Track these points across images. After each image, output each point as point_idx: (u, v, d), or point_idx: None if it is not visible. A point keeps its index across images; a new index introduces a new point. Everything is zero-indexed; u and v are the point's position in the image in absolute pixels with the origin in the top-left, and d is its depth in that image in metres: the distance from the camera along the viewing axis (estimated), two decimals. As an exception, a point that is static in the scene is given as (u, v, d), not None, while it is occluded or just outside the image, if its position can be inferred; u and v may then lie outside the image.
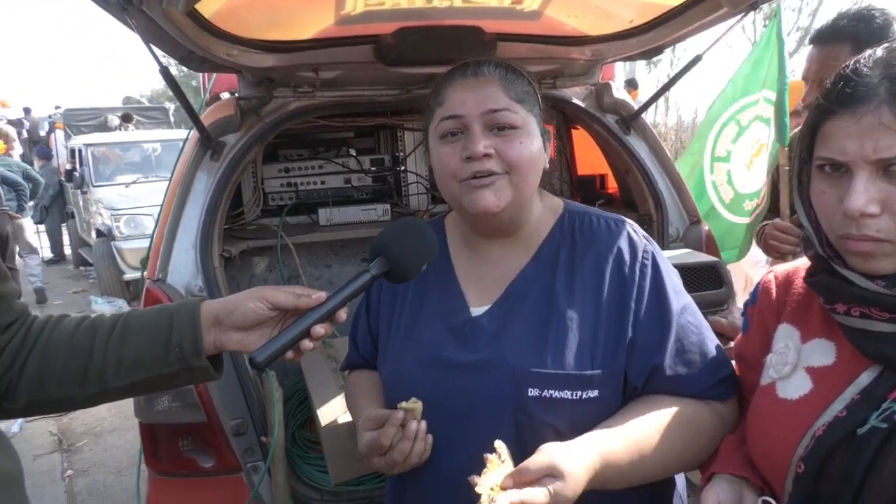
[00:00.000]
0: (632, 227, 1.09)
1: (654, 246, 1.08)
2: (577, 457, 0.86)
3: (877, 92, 0.74)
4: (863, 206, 0.74)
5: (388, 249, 0.95)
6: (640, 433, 0.94)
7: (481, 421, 0.98)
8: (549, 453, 0.85)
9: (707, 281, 1.73)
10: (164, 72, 1.46)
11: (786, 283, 0.97)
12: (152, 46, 1.39)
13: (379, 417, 1.00)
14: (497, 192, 1.00)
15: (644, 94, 7.77)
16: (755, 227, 2.07)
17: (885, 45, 0.78)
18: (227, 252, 1.96)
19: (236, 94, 1.91)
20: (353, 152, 2.68)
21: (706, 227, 2.13)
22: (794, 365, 0.89)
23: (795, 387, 0.86)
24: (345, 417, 1.66)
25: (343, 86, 1.99)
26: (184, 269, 1.71)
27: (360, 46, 1.77)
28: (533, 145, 1.03)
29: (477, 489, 0.82)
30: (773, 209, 1.97)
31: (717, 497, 0.87)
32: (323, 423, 1.67)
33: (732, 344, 1.11)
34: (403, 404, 0.99)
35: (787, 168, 1.84)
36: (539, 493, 0.80)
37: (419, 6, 1.66)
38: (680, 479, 1.19)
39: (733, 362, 1.08)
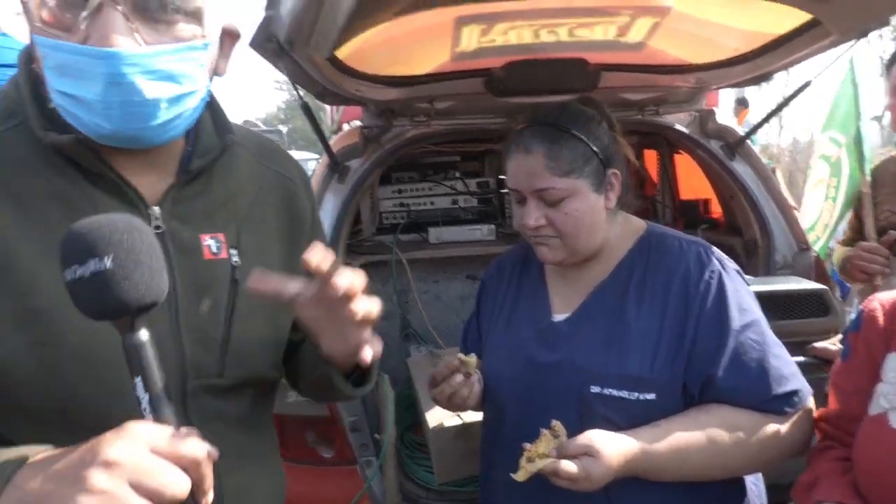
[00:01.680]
0: (703, 248, 1.18)
1: (726, 266, 1.15)
2: (615, 443, 1.00)
3: None
4: None
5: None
6: (684, 433, 1.04)
7: (554, 413, 1.09)
8: (590, 435, 1.00)
9: (812, 308, 1.72)
10: (305, 107, 1.69)
11: (893, 311, 0.99)
12: (297, 85, 1.61)
13: (446, 365, 1.21)
14: (552, 250, 1.18)
15: (755, 112, 7.48)
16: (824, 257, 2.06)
17: None
18: (348, 265, 2.16)
19: (361, 124, 2.13)
20: (458, 175, 2.84)
21: (814, 254, 2.10)
22: None
23: None
24: (451, 421, 1.79)
25: (455, 115, 2.16)
26: (313, 280, 1.92)
27: (472, 79, 1.93)
28: (582, 207, 1.15)
29: (525, 453, 0.99)
30: (858, 237, 1.97)
31: None
32: (430, 426, 1.80)
33: None
34: (461, 356, 1.19)
35: (868, 193, 1.87)
36: (572, 465, 0.96)
37: (528, 42, 1.80)
38: (755, 492, 1.22)
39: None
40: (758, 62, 1.83)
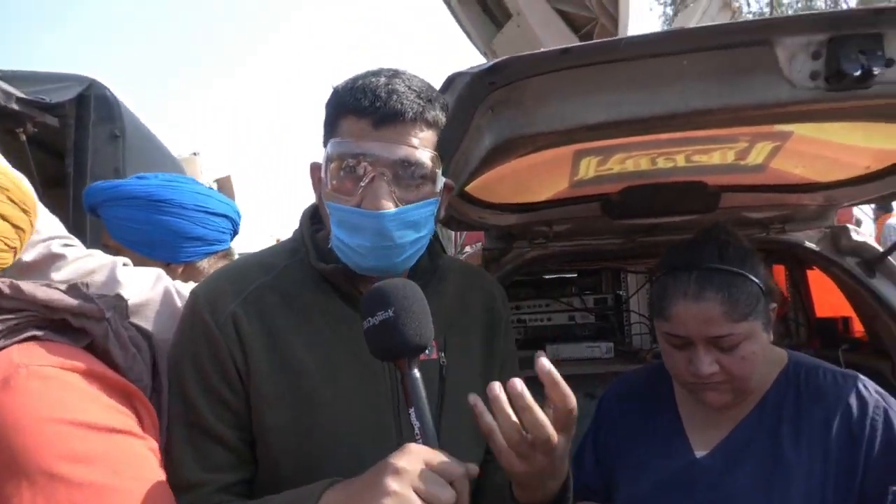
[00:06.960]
0: (862, 383, 1.12)
1: (888, 402, 1.09)
2: None
3: None
4: None
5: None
6: None
7: None
8: None
9: None
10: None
11: None
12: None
13: None
14: (721, 394, 1.11)
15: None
16: None
17: None
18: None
19: (482, 246, 2.24)
20: (575, 291, 2.86)
21: (983, 382, 1.89)
22: None
23: None
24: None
25: (573, 236, 2.22)
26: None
27: (589, 204, 2.00)
28: (757, 349, 1.08)
29: None
30: None
31: None
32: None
33: None
34: None
35: None
36: None
37: (644, 168, 1.85)
38: None
39: None
40: (892, 179, 1.77)
